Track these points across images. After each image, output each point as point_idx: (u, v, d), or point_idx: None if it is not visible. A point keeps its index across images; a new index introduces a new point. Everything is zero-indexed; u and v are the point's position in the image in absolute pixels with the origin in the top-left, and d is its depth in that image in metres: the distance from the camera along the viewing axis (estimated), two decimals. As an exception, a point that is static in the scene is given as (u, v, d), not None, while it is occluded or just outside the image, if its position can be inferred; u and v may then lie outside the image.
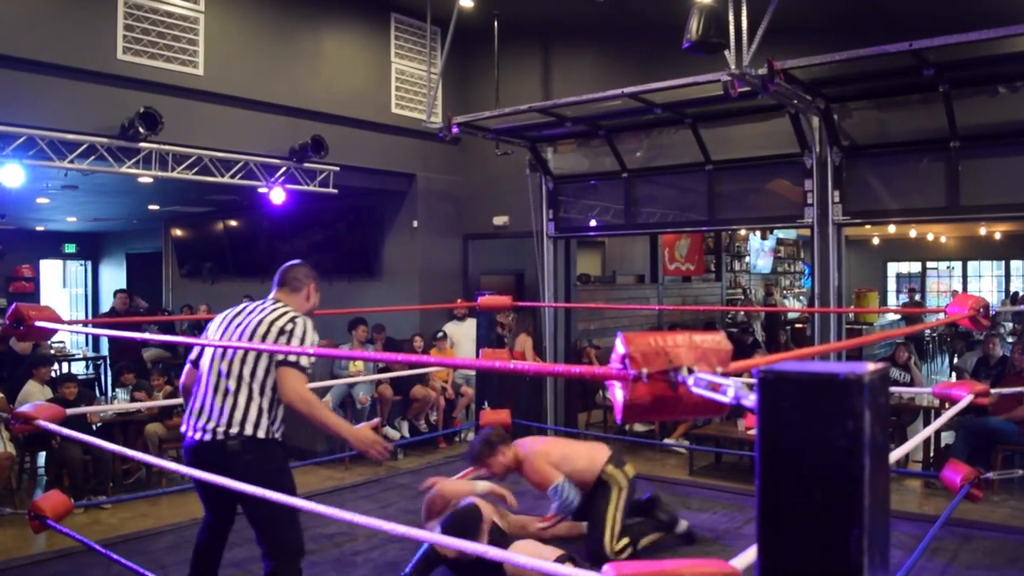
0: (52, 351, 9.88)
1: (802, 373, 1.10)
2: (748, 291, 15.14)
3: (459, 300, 8.81)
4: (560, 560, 3.46)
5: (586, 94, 6.71)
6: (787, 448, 1.11)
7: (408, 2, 8.49)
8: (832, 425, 1.07)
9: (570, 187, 8.54)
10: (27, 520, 3.65)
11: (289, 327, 3.05)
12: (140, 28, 6.60)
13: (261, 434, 2.96)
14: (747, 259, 15.35)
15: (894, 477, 6.42)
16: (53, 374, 7.31)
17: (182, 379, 3.30)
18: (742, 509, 5.02)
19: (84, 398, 6.82)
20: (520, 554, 2.21)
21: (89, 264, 16.40)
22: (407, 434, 8.08)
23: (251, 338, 3.04)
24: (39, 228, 14.46)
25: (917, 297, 16.79)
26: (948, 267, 18.30)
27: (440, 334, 8.61)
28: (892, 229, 14.53)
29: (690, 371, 1.46)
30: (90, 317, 15.78)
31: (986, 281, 17.77)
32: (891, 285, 19.08)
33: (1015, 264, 17.38)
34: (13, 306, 3.48)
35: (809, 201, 6.80)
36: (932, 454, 6.96)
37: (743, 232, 14.55)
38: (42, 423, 3.69)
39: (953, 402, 3.90)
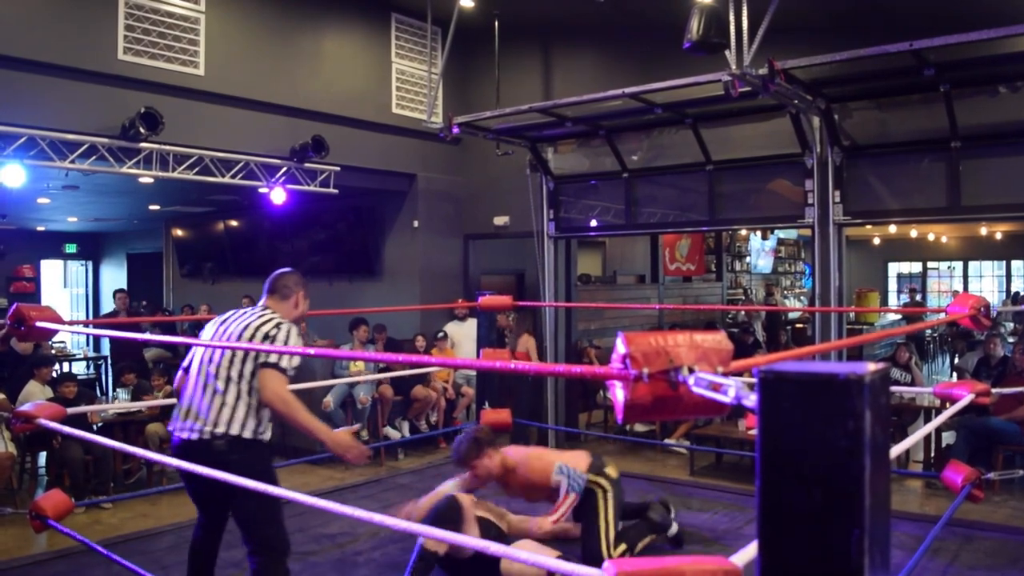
0: (53, 351, 9.89)
1: (803, 373, 1.10)
2: (749, 291, 15.13)
3: (460, 300, 8.81)
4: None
5: (587, 94, 6.71)
6: (788, 448, 1.11)
7: (409, 2, 8.49)
8: (833, 425, 1.07)
9: (571, 187, 8.54)
10: (28, 520, 3.65)
11: (273, 332, 3.17)
12: (141, 28, 6.61)
13: (247, 435, 3.04)
14: (748, 259, 15.35)
15: (895, 477, 6.42)
16: (54, 374, 7.31)
17: (175, 383, 3.41)
18: (743, 509, 5.01)
19: (85, 398, 6.83)
20: (519, 550, 2.20)
21: (90, 264, 16.40)
22: (408, 434, 8.08)
23: (244, 341, 3.14)
24: (40, 228, 14.46)
25: (918, 297, 16.79)
26: (949, 267, 18.30)
27: (441, 334, 8.61)
28: (893, 229, 14.53)
29: (691, 371, 1.46)
30: (91, 317, 15.79)
31: (987, 281, 17.77)
32: (892, 285, 19.08)
33: (1016, 264, 17.38)
34: (14, 306, 3.48)
35: (810, 201, 6.80)
36: (933, 454, 6.96)
37: (744, 232, 14.55)
38: (43, 422, 3.70)
39: (954, 402, 3.89)
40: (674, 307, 11.67)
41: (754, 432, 1.12)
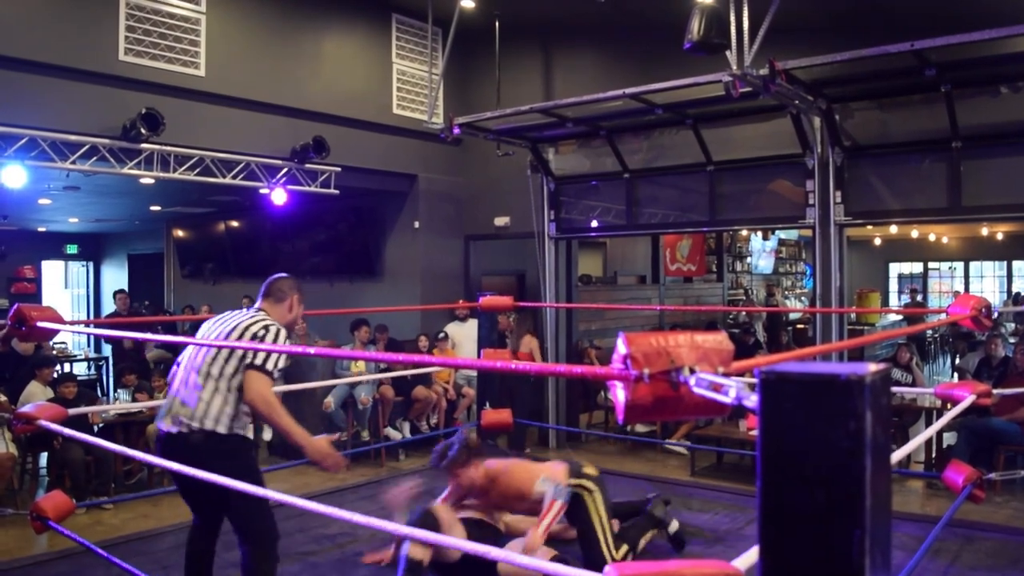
0: (54, 352, 9.90)
1: (804, 374, 1.10)
2: (750, 292, 15.13)
3: (460, 301, 8.81)
4: (555, 561, 3.43)
5: (587, 95, 6.71)
6: (789, 449, 1.11)
7: (409, 3, 8.49)
8: (834, 426, 1.07)
9: (571, 188, 8.54)
10: (29, 521, 3.65)
11: (261, 333, 3.25)
12: (142, 29, 6.61)
13: (222, 430, 3.12)
14: (749, 260, 15.34)
15: (896, 478, 6.41)
16: (55, 375, 7.31)
17: (168, 377, 3.51)
18: (743, 510, 5.01)
19: (86, 399, 6.83)
20: (517, 553, 2.20)
21: (91, 265, 16.41)
22: (408, 435, 8.08)
23: (231, 340, 3.22)
24: (41, 229, 14.47)
25: (919, 298, 16.77)
26: (950, 267, 18.28)
27: (441, 335, 8.61)
28: (894, 229, 14.52)
29: (692, 371, 1.46)
30: (92, 318, 15.80)
31: (988, 282, 17.75)
32: (893, 285, 19.06)
33: (1017, 264, 17.35)
34: (15, 307, 3.48)
35: (811, 202, 6.79)
36: (934, 455, 6.95)
37: (744, 233, 14.55)
38: (44, 423, 3.70)
39: (955, 403, 3.89)
40: (675, 308, 11.66)
41: (755, 433, 1.12)
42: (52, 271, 15.90)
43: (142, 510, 6.03)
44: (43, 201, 10.22)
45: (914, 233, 16.27)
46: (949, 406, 4.02)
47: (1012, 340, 10.81)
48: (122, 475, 6.75)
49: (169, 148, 6.81)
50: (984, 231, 15.86)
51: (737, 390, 1.36)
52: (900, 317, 13.83)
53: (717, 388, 1.40)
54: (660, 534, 4.23)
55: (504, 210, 9.15)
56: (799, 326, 13.14)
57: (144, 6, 6.62)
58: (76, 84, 6.33)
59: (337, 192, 8.33)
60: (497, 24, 8.24)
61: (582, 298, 9.47)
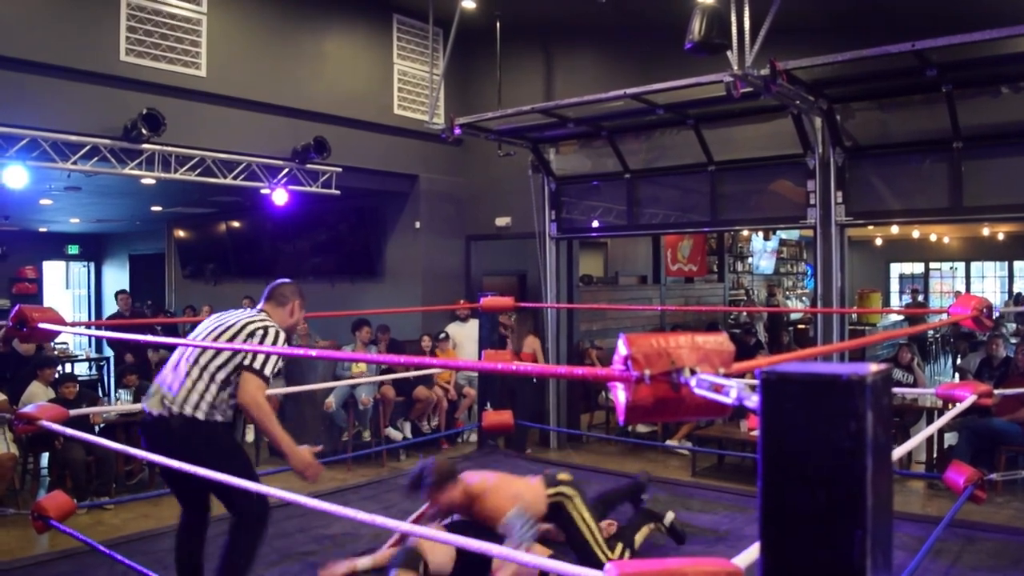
0: (55, 352, 9.91)
1: (805, 374, 1.10)
2: (751, 292, 15.12)
3: (461, 301, 8.81)
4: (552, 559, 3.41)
5: (588, 95, 6.71)
6: (790, 449, 1.11)
7: (410, 3, 8.49)
8: (835, 426, 1.07)
9: (572, 188, 8.54)
10: (30, 520, 3.65)
11: (260, 334, 3.31)
12: (143, 30, 6.62)
13: (200, 416, 3.18)
14: (750, 260, 15.33)
15: (897, 478, 6.41)
16: (56, 375, 7.32)
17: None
18: (744, 510, 5.01)
19: (87, 399, 6.83)
20: (513, 552, 2.20)
21: (92, 265, 16.42)
22: (410, 435, 8.08)
23: (229, 335, 3.30)
24: (42, 229, 14.48)
25: (920, 298, 16.75)
26: (951, 268, 18.27)
27: (442, 335, 8.61)
28: (895, 230, 14.51)
29: (692, 372, 1.46)
30: (93, 318, 15.81)
31: (989, 282, 17.74)
32: (894, 286, 19.04)
33: (1018, 265, 17.33)
34: (16, 307, 3.48)
35: (812, 202, 6.79)
36: (935, 455, 6.95)
37: (746, 233, 14.54)
38: (45, 423, 3.70)
39: (956, 403, 3.89)
40: (676, 308, 11.66)
41: (756, 433, 1.12)
42: (53, 271, 15.91)
43: (143, 510, 6.03)
44: (44, 201, 10.23)
45: (915, 233, 16.25)
46: (950, 406, 4.01)
47: (1013, 340, 10.81)
48: (123, 475, 6.75)
49: (170, 148, 6.81)
50: (985, 231, 15.85)
51: (738, 391, 1.36)
52: (901, 317, 13.82)
53: (718, 389, 1.40)
54: (658, 527, 4.22)
55: (505, 210, 9.15)
56: (800, 326, 13.13)
57: (145, 6, 6.63)
58: (77, 84, 6.34)
59: (338, 192, 8.34)
60: (498, 24, 8.25)
61: (583, 298, 9.47)
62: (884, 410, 1.10)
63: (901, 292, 18.71)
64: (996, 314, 4.28)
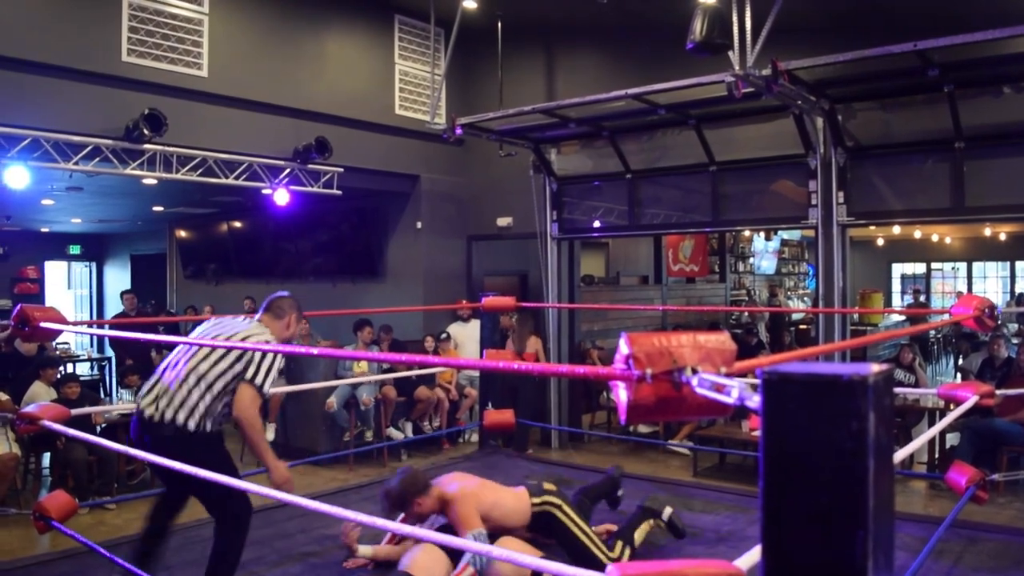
0: (57, 352, 9.92)
1: (806, 374, 1.10)
2: (752, 292, 15.11)
3: (463, 301, 8.82)
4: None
5: (590, 95, 6.71)
6: (792, 449, 1.10)
7: (412, 3, 8.50)
8: (837, 426, 1.07)
9: (574, 188, 8.54)
10: (32, 521, 3.66)
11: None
12: (144, 30, 6.62)
13: (191, 425, 3.26)
14: (751, 260, 15.33)
15: (899, 479, 6.40)
16: (58, 375, 7.33)
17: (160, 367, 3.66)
18: (746, 510, 5.00)
19: (89, 399, 6.84)
20: (513, 552, 2.19)
21: (94, 265, 16.44)
22: (411, 435, 8.08)
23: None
24: (44, 229, 14.50)
25: (922, 298, 16.74)
26: (953, 268, 18.25)
27: (444, 335, 8.62)
28: (897, 230, 14.50)
29: (694, 372, 1.46)
30: (95, 318, 15.83)
31: (991, 282, 17.72)
32: (896, 286, 19.03)
33: (1020, 265, 17.31)
34: (18, 307, 3.49)
35: (813, 202, 6.79)
36: (937, 456, 6.94)
37: (747, 233, 14.53)
38: (47, 423, 3.70)
39: (958, 403, 3.88)
40: (677, 308, 11.65)
41: (757, 433, 1.12)
42: (55, 272, 15.93)
43: (144, 510, 5.98)
44: (46, 202, 10.24)
45: (917, 233, 16.24)
46: (952, 407, 4.01)
47: (1015, 341, 10.80)
48: (125, 475, 6.76)
49: (172, 149, 6.82)
50: (987, 231, 15.84)
51: (740, 390, 1.36)
52: (903, 318, 13.81)
53: (720, 388, 1.40)
54: (657, 523, 4.21)
55: (506, 210, 9.15)
56: (802, 326, 13.13)
57: (147, 7, 6.63)
58: (79, 85, 6.35)
59: (339, 193, 8.34)
60: (499, 24, 8.25)
61: (584, 298, 9.47)
62: (886, 410, 1.10)
63: (903, 292, 18.69)
64: (998, 314, 4.28)
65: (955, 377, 11.01)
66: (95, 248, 16.19)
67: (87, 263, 16.38)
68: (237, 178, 7.47)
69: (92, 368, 12.15)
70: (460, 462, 6.37)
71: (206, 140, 7.15)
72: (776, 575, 1.12)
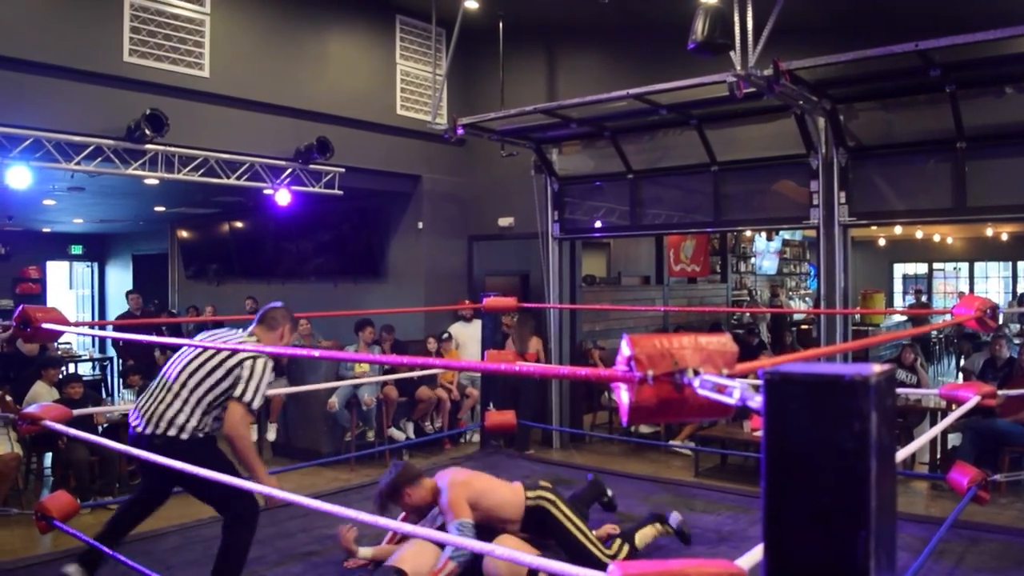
0: (59, 353, 9.93)
1: (808, 375, 1.10)
2: (754, 292, 15.11)
3: (464, 301, 8.82)
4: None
5: (591, 95, 6.71)
6: (793, 450, 1.10)
7: (413, 4, 8.50)
8: (838, 427, 1.07)
9: (575, 188, 8.54)
10: (34, 520, 3.66)
11: (248, 364, 3.44)
12: (146, 31, 6.63)
13: (185, 436, 3.36)
14: (753, 260, 15.32)
15: (901, 479, 6.39)
16: (60, 375, 7.33)
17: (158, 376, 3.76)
18: (747, 511, 5.00)
19: (91, 399, 6.84)
20: (511, 550, 2.19)
21: (95, 266, 16.45)
22: (412, 436, 8.08)
23: (218, 360, 3.44)
24: (46, 230, 14.51)
25: (924, 298, 16.73)
26: (955, 268, 18.23)
27: (445, 335, 8.62)
28: (898, 230, 14.49)
29: (696, 373, 1.46)
30: (97, 319, 15.85)
31: (993, 282, 17.70)
32: (897, 286, 19.01)
33: (1022, 265, 17.29)
34: (20, 308, 3.49)
35: (815, 202, 6.79)
36: (939, 456, 6.93)
37: (749, 233, 14.53)
38: (48, 423, 3.71)
39: (960, 404, 3.88)
40: (679, 309, 11.65)
41: (759, 434, 1.12)
42: (57, 272, 15.94)
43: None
44: (48, 202, 10.25)
45: (919, 234, 16.22)
46: (954, 407, 4.01)
47: (1017, 341, 10.78)
48: (126, 475, 6.76)
49: (173, 149, 6.82)
50: (989, 232, 15.82)
51: (741, 391, 1.36)
52: (904, 318, 13.79)
53: (721, 389, 1.40)
54: (665, 529, 4.20)
55: (508, 211, 9.15)
56: (803, 327, 13.11)
57: (148, 7, 6.64)
58: (81, 85, 6.35)
59: (341, 193, 8.34)
60: (501, 25, 8.25)
61: (586, 299, 9.47)
62: (888, 411, 1.10)
63: (904, 293, 18.67)
64: (1000, 315, 4.27)
65: (957, 377, 11.00)
66: (97, 248, 16.21)
67: (89, 263, 16.40)
68: (239, 178, 7.47)
69: (94, 368, 12.16)
70: (461, 462, 6.37)
71: (208, 140, 7.16)
72: (778, 575, 1.12)
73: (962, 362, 11.37)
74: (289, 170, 7.80)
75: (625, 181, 8.08)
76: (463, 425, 8.46)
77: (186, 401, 3.37)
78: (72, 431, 3.76)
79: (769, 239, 15.69)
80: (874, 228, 13.30)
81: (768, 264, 16.01)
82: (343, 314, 8.11)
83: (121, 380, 9.21)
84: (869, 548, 1.05)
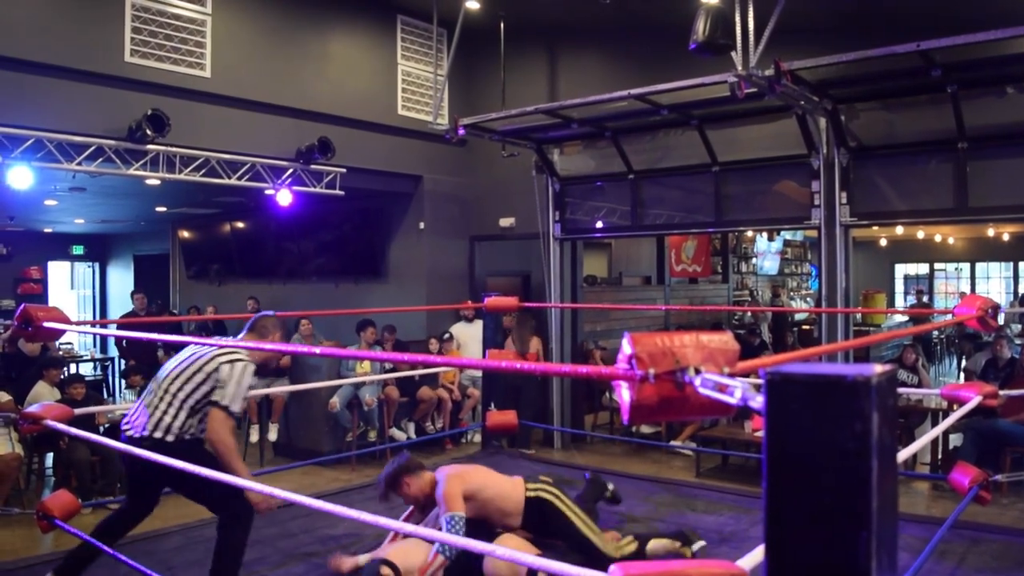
0: (60, 353, 9.93)
1: (809, 375, 1.10)
2: (755, 292, 15.10)
3: (466, 302, 8.82)
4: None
5: (592, 95, 6.70)
6: (794, 450, 1.10)
7: (414, 4, 8.50)
8: (840, 427, 1.07)
9: (576, 188, 8.54)
10: (35, 520, 3.67)
11: (226, 369, 3.51)
12: (148, 31, 6.63)
13: (170, 439, 3.45)
14: (754, 261, 15.32)
15: (902, 479, 6.39)
16: (62, 375, 7.33)
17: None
18: (748, 511, 5.00)
19: (92, 399, 6.84)
20: (511, 550, 2.19)
21: (97, 266, 16.46)
22: (413, 435, 8.08)
23: (198, 365, 3.54)
24: (47, 230, 14.52)
25: (925, 298, 16.72)
26: (956, 268, 18.22)
27: (447, 335, 8.61)
28: (900, 230, 14.48)
29: (697, 371, 1.46)
30: (98, 319, 15.86)
31: (994, 282, 17.69)
32: (899, 287, 19.00)
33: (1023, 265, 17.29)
34: (21, 307, 3.50)
35: (816, 202, 6.78)
36: (940, 456, 6.92)
37: (750, 234, 14.52)
38: (50, 423, 3.71)
39: (961, 404, 3.88)
40: (680, 308, 11.65)
41: (760, 434, 1.12)
42: (58, 272, 15.95)
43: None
44: (49, 202, 10.25)
45: (920, 234, 16.21)
46: (955, 407, 4.01)
47: (1019, 341, 10.77)
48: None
49: (175, 149, 6.82)
50: (990, 232, 15.81)
51: (743, 391, 1.36)
52: (906, 318, 13.79)
53: (722, 389, 1.40)
54: (683, 550, 4.11)
55: (509, 211, 9.15)
56: (804, 327, 13.11)
57: (150, 7, 6.64)
58: (82, 85, 6.35)
59: (342, 193, 8.34)
60: (502, 25, 8.24)
61: (587, 299, 9.47)
62: (889, 411, 1.10)
63: (906, 293, 18.67)
64: (1001, 314, 4.27)
65: (958, 378, 11.00)
66: (98, 248, 16.22)
67: (90, 263, 16.41)
68: (240, 179, 7.48)
69: (95, 368, 12.16)
70: (462, 462, 6.37)
71: (209, 140, 7.16)
72: (779, 575, 1.12)
73: (963, 362, 11.36)
74: (290, 170, 7.81)
75: (626, 181, 8.08)
76: (464, 425, 8.46)
77: (170, 404, 3.48)
78: (73, 431, 3.77)
79: (770, 239, 15.68)
80: (875, 228, 13.29)
81: (769, 264, 16.00)
82: (345, 312, 8.10)
83: (123, 380, 9.19)
84: (870, 548, 1.05)
